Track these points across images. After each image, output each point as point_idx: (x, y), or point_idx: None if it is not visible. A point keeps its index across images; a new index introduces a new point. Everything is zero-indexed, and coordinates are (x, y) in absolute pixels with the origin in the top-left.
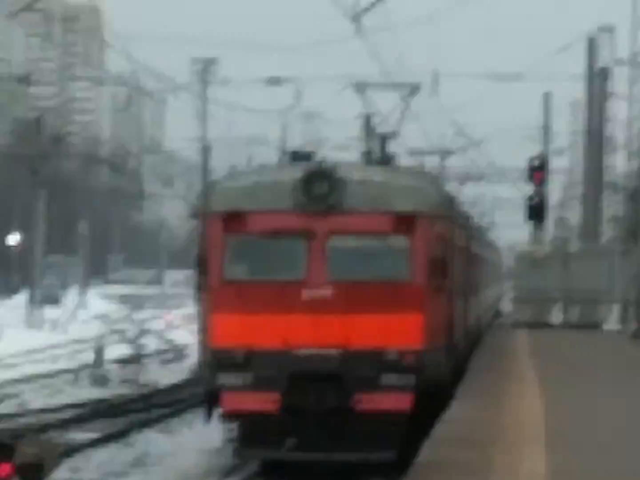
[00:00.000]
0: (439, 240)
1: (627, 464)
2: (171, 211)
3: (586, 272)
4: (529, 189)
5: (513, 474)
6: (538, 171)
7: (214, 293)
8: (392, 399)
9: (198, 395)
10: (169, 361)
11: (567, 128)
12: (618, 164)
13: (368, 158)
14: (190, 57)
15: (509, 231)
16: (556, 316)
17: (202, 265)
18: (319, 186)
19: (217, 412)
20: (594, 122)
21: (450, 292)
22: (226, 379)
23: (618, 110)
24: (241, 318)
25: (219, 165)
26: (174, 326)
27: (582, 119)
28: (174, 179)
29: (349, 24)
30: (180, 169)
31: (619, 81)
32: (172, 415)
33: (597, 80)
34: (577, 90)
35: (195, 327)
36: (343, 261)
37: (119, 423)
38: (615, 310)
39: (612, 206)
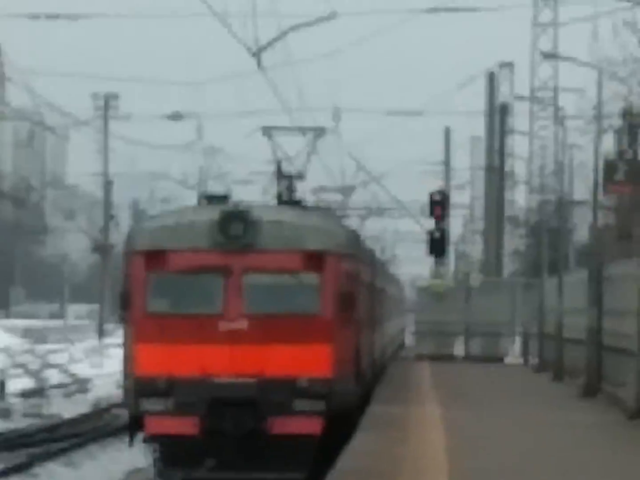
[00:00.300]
0: (346, 276)
1: None
2: (73, 245)
3: (488, 305)
4: (430, 223)
5: None
6: (439, 206)
7: (138, 325)
8: (304, 423)
9: (101, 427)
10: (72, 394)
11: (468, 163)
12: (519, 198)
13: (280, 199)
14: (92, 93)
15: (412, 265)
16: (458, 349)
17: (126, 300)
18: (235, 227)
19: (140, 436)
20: (494, 157)
21: (357, 325)
22: (149, 404)
23: (518, 145)
24: (163, 348)
25: (121, 200)
26: (77, 359)
27: (483, 154)
28: (76, 213)
29: (250, 60)
30: (83, 203)
31: (519, 117)
32: (76, 447)
33: (497, 116)
34: (478, 126)
35: (97, 360)
36: (257, 296)
37: (22, 455)
38: (517, 343)
39: (514, 240)
